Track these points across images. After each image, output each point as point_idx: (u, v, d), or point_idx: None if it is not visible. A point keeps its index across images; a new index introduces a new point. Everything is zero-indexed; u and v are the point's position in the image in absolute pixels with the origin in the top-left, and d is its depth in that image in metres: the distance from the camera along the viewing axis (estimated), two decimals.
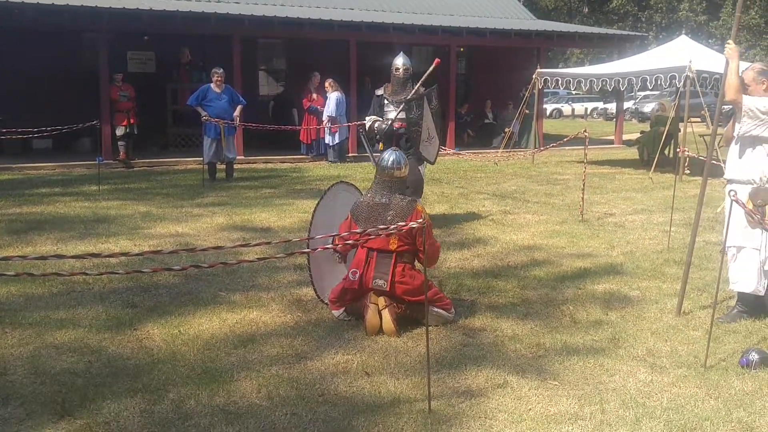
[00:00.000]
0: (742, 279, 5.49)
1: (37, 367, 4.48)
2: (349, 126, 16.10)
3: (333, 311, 5.47)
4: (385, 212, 5.38)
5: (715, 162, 9.95)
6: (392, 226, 4.34)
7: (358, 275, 5.31)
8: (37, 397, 4.07)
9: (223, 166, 13.20)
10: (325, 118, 16.08)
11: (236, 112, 13.02)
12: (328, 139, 16.32)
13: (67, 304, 5.75)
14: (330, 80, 16.13)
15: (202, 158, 13.13)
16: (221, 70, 13.09)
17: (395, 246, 5.23)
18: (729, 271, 5.61)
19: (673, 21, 45.85)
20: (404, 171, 5.61)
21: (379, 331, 5.17)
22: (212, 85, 12.93)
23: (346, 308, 5.40)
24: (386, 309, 5.18)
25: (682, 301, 5.73)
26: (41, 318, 5.39)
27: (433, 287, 5.37)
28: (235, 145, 13.69)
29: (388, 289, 5.22)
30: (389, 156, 5.62)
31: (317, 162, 16.47)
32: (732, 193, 4.82)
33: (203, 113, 12.62)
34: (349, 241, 4.97)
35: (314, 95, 16.68)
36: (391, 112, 8.11)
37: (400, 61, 8.35)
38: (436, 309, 5.28)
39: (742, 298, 5.59)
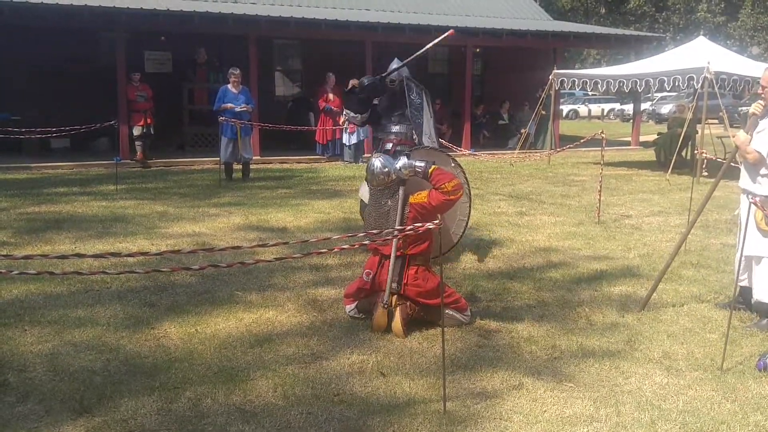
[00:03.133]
0: (764, 289, 5.41)
1: (55, 365, 4.53)
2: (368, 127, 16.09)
3: (346, 306, 5.50)
4: (391, 215, 5.37)
5: (732, 164, 9.91)
6: (408, 228, 4.34)
7: (371, 276, 5.34)
8: (55, 395, 4.12)
9: (240, 166, 13.27)
10: (343, 117, 16.08)
11: (241, 108, 13.07)
12: (345, 139, 16.33)
13: (85, 302, 5.81)
14: (354, 81, 16.12)
15: (218, 158, 13.20)
16: (237, 71, 13.18)
17: (404, 249, 5.24)
18: (753, 281, 5.55)
19: (690, 22, 45.58)
20: (394, 174, 5.34)
21: (385, 330, 5.18)
22: (229, 85, 13.03)
23: (358, 305, 5.43)
24: (397, 308, 5.19)
25: (650, 296, 5.85)
26: (60, 316, 5.44)
27: (448, 289, 5.37)
28: (251, 145, 13.75)
29: (401, 291, 5.23)
30: (375, 162, 5.38)
31: (333, 162, 16.51)
32: (752, 197, 4.79)
33: (228, 106, 12.82)
34: (365, 242, 4.98)
35: (330, 95, 16.71)
36: (393, 126, 7.33)
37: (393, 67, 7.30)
38: (450, 311, 5.27)
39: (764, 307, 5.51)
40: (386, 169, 5.35)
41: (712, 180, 13.69)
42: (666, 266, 5.90)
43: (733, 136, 5.51)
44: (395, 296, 5.23)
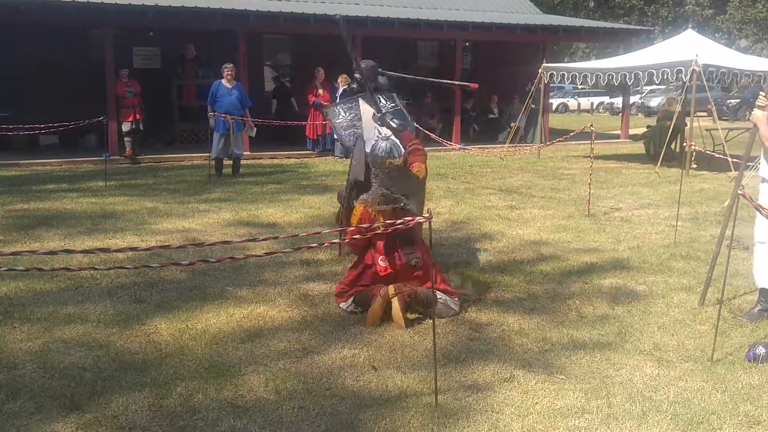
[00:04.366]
0: (765, 275, 5.40)
1: (45, 362, 4.51)
2: None
3: (340, 304, 5.49)
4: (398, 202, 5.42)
5: (721, 156, 9.96)
6: (398, 222, 4.34)
7: (387, 261, 5.32)
8: (46, 391, 4.10)
9: (229, 162, 13.23)
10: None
11: (247, 118, 13.20)
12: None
13: (74, 299, 5.78)
14: (344, 76, 16.06)
15: (207, 154, 13.15)
16: (231, 66, 13.16)
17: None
18: (753, 267, 5.58)
19: (679, 15, 45.65)
20: (400, 159, 5.53)
21: (380, 323, 5.19)
22: (223, 80, 12.99)
23: (355, 299, 5.41)
24: (395, 297, 5.18)
25: (705, 292, 5.76)
26: (49, 313, 5.42)
27: (439, 273, 5.43)
28: (243, 140, 13.71)
29: (423, 262, 5.28)
30: (381, 144, 5.50)
31: (323, 157, 16.47)
32: (741, 188, 4.80)
33: (211, 112, 12.79)
34: (356, 236, 4.98)
35: (320, 90, 16.66)
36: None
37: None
38: (442, 296, 5.31)
39: (766, 294, 5.52)
40: (393, 153, 5.47)
41: (701, 172, 13.74)
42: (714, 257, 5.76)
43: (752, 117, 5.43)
44: (393, 286, 5.22)
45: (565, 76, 16.81)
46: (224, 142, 12.87)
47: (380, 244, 5.38)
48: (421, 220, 4.09)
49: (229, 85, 12.99)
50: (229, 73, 13.01)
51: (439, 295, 5.24)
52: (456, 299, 5.43)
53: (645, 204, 10.47)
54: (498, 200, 10.66)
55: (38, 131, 13.35)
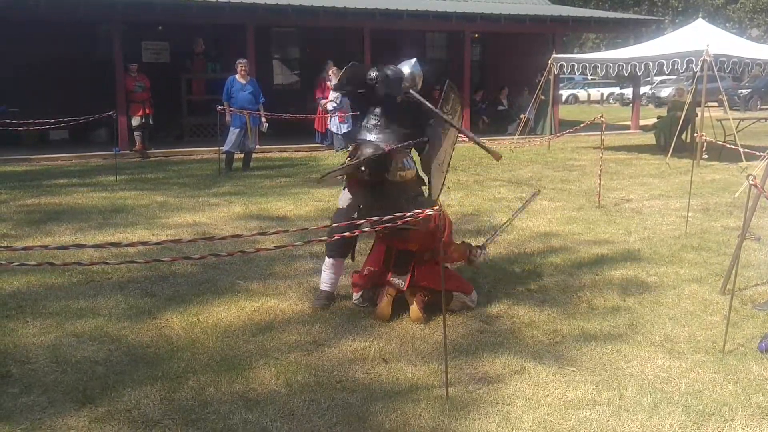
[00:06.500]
0: None
1: (58, 356, 4.53)
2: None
3: (353, 293, 5.50)
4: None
5: (732, 146, 9.90)
6: (408, 214, 4.32)
7: (372, 272, 5.33)
8: (58, 386, 4.12)
9: (240, 156, 13.23)
10: (329, 106, 15.99)
11: (261, 113, 13.17)
12: (334, 128, 16.18)
13: (86, 293, 5.81)
14: (334, 68, 15.93)
15: (217, 148, 13.15)
16: (244, 61, 13.15)
17: (416, 247, 5.22)
18: None
19: (689, 5, 45.36)
20: (411, 172, 5.32)
21: (390, 318, 5.19)
22: (237, 76, 12.97)
23: (363, 294, 5.42)
24: (413, 298, 5.21)
25: (727, 280, 5.68)
26: (61, 307, 5.45)
27: (453, 274, 5.38)
28: (257, 135, 13.70)
29: (404, 289, 5.23)
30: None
31: (332, 150, 16.46)
32: (750, 177, 4.79)
33: (227, 108, 12.79)
34: (366, 229, 4.96)
35: (329, 84, 16.61)
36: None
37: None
38: (458, 294, 5.32)
39: None
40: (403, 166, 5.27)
41: (712, 163, 13.66)
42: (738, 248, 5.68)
43: None
44: (407, 290, 5.23)
45: (575, 67, 16.74)
46: (242, 136, 12.89)
47: (379, 251, 5.38)
48: (430, 213, 4.07)
49: (243, 81, 12.98)
50: (243, 68, 12.98)
51: (456, 294, 5.29)
52: (472, 297, 5.41)
53: (656, 195, 10.42)
54: (508, 192, 10.64)
55: (48, 126, 13.41)
